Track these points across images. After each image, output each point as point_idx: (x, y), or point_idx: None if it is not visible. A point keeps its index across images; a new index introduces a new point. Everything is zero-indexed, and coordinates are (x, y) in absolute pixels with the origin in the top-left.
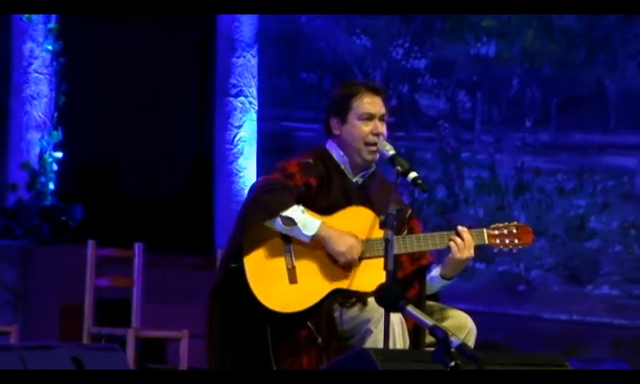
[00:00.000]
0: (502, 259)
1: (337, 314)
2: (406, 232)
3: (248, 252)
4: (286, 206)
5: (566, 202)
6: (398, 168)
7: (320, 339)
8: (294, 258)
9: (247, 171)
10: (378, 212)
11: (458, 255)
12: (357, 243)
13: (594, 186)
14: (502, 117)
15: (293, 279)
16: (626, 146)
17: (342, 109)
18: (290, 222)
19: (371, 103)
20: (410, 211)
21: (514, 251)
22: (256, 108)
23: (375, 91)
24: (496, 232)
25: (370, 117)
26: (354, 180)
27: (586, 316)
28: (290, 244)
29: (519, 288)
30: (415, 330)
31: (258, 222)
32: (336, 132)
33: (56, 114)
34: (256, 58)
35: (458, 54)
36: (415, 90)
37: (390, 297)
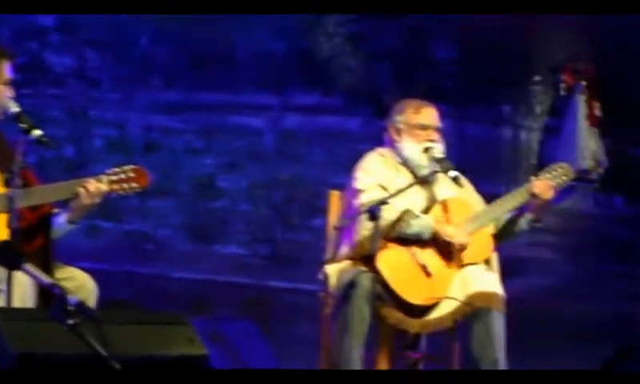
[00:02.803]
0: (130, 218)
1: None
2: (21, 184)
3: None
4: None
5: (194, 161)
6: (23, 125)
7: None
8: None
9: None
10: None
11: (85, 201)
12: None
13: (222, 146)
14: (131, 75)
15: None
16: (255, 105)
17: None
18: None
19: None
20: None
21: (131, 194)
22: None
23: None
24: (114, 177)
25: None
26: None
27: (213, 275)
28: None
29: (147, 247)
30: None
31: None
32: None
33: None
34: None
35: None
36: (44, 47)
37: (7, 254)
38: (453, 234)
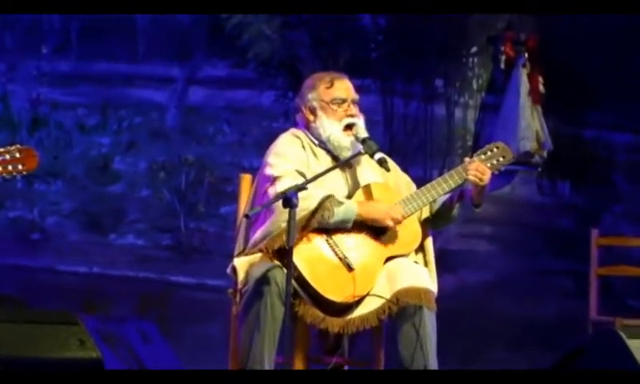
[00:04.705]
0: (14, 204)
1: None
2: None
3: None
4: None
5: (87, 139)
6: None
7: None
8: None
9: None
10: None
11: None
12: None
13: (119, 123)
14: (16, 43)
15: None
16: (155, 77)
17: None
18: None
19: None
20: None
21: (18, 177)
22: None
23: None
24: None
25: None
26: None
27: (107, 268)
28: None
29: (33, 236)
30: None
31: None
32: None
33: None
34: None
35: None
36: None
37: None
38: (381, 216)
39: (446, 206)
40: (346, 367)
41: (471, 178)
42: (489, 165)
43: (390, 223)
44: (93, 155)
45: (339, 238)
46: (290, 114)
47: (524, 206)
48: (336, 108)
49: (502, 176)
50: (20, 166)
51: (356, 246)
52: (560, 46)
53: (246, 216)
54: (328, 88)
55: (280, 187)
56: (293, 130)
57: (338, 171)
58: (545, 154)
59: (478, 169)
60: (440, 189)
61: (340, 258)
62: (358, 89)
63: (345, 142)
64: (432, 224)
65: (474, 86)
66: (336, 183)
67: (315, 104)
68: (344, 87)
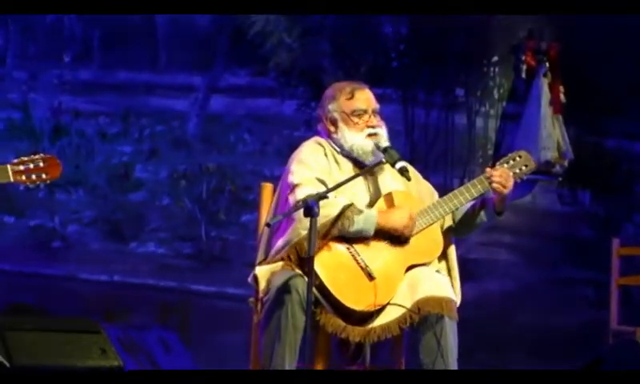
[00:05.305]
0: (35, 213)
1: None
2: None
3: None
4: None
5: (108, 148)
6: None
7: None
8: None
9: None
10: None
11: None
12: None
13: (140, 131)
14: (37, 51)
15: None
16: (177, 86)
17: None
18: None
19: None
20: None
21: (41, 186)
22: None
23: None
24: (21, 167)
25: None
26: None
27: (128, 277)
28: None
29: (54, 245)
30: None
31: None
32: None
33: None
34: None
35: None
36: None
37: None
38: (399, 224)
39: (468, 215)
40: None
41: (495, 185)
42: (512, 173)
43: (407, 234)
44: (114, 163)
45: (361, 247)
46: (311, 123)
47: (545, 215)
48: (357, 120)
49: (522, 185)
50: (44, 175)
51: (377, 254)
52: (581, 55)
53: (267, 225)
54: (348, 99)
55: (299, 194)
56: (316, 138)
57: (360, 179)
58: (566, 163)
59: (502, 176)
60: (462, 198)
61: (361, 267)
62: (378, 98)
63: (368, 147)
64: (454, 232)
65: (495, 96)
66: (358, 191)
67: (336, 115)
68: (364, 98)
